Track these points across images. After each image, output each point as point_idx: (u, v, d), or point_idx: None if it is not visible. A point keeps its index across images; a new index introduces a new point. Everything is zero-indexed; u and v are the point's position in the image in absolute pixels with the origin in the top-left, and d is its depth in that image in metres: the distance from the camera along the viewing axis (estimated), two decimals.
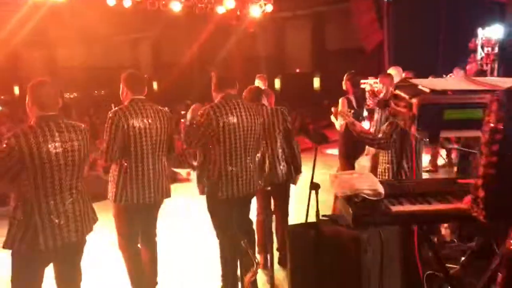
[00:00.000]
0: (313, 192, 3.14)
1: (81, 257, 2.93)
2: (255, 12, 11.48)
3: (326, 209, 4.99)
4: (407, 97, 1.77)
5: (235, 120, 3.33)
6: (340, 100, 4.93)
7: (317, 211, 2.94)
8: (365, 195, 1.91)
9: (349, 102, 4.85)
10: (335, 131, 5.06)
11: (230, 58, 17.81)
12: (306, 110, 12.93)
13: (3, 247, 2.62)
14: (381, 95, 4.60)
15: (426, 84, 1.83)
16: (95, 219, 2.96)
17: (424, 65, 9.76)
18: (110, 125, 3.19)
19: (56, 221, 2.65)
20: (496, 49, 8.98)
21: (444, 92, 1.72)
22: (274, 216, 4.26)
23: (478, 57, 9.06)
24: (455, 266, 3.40)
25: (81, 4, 9.92)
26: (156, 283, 3.58)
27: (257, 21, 12.18)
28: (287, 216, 4.19)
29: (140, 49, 24.01)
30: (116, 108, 3.26)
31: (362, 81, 5.51)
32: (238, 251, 3.27)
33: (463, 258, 3.40)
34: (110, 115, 3.22)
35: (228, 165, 3.35)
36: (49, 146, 2.57)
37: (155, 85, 22.77)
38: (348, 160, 4.95)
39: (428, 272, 3.32)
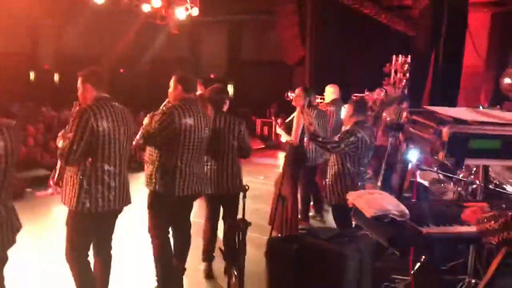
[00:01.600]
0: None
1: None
2: (181, 14, 11.28)
3: (260, 218, 5.11)
4: (433, 124, 1.88)
5: (192, 122, 3.49)
6: (295, 114, 5.06)
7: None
8: (393, 216, 1.98)
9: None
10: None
11: (148, 58, 17.24)
12: None
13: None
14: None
15: (445, 112, 1.96)
16: (18, 229, 2.64)
17: (342, 83, 10.45)
18: (78, 124, 2.94)
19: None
20: (407, 75, 9.91)
21: (467, 122, 1.86)
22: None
23: (392, 81, 9.91)
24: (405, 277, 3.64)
25: None
26: None
27: (180, 23, 11.97)
28: None
29: (41, 38, 22.10)
30: (85, 106, 3.02)
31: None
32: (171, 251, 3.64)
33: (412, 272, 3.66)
34: (79, 113, 2.98)
35: (183, 164, 3.48)
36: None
37: (56, 77, 21.14)
38: (293, 171, 5.04)
39: (385, 284, 3.55)
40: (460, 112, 2.00)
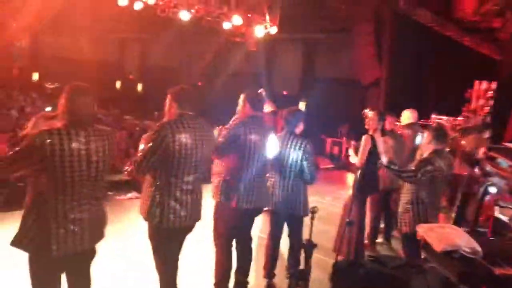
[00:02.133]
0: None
1: (90, 266, 2.89)
2: (259, 32, 11.62)
3: (326, 240, 5.07)
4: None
5: (256, 138, 3.64)
6: (364, 137, 5.02)
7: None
8: (464, 253, 1.97)
9: (372, 139, 4.93)
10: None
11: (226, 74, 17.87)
12: None
13: (11, 244, 2.58)
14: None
15: None
16: (106, 223, 2.91)
17: (418, 107, 10.13)
18: (155, 138, 3.01)
19: (72, 227, 2.59)
20: (491, 102, 9.41)
21: None
22: None
23: (472, 107, 9.47)
24: None
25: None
26: None
27: (257, 40, 12.32)
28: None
29: (128, 50, 23.66)
30: (166, 121, 3.13)
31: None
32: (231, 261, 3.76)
33: None
34: (159, 127, 3.08)
35: (248, 178, 3.62)
36: (73, 149, 2.51)
37: (139, 87, 22.45)
38: (361, 196, 5.01)
39: None
40: None
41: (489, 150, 1.97)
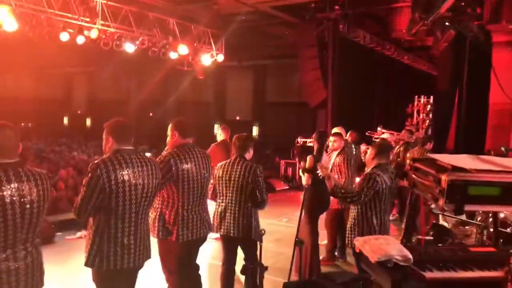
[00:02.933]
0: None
1: None
2: (206, 60, 11.77)
3: (283, 262, 5.08)
4: (433, 171, 1.95)
5: (190, 167, 3.55)
6: (308, 158, 5.15)
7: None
8: (396, 261, 2.03)
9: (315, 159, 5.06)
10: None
11: (174, 101, 17.82)
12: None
13: None
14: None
15: (445, 160, 2.04)
16: (43, 272, 2.70)
17: (363, 124, 10.53)
18: (90, 179, 2.83)
19: (6, 279, 2.41)
20: (431, 115, 9.89)
21: (465, 170, 1.93)
22: None
23: (414, 121, 9.91)
24: None
25: (20, 35, 9.44)
26: None
27: (205, 68, 12.46)
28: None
29: (75, 84, 23.23)
30: (98, 159, 2.94)
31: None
32: None
33: None
34: (91, 167, 2.87)
35: (185, 209, 3.53)
36: (5, 197, 2.34)
37: (88, 122, 22.00)
38: (312, 215, 5.09)
39: None
40: (460, 159, 2.06)
41: (414, 161, 2.09)
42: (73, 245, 6.29)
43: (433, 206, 4.17)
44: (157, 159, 3.49)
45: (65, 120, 22.89)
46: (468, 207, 1.88)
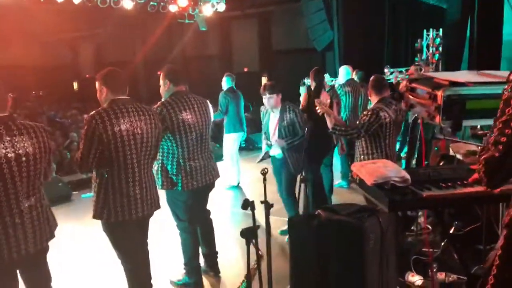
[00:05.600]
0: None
1: (46, 263, 2.76)
2: (207, 11, 11.47)
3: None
4: (429, 89, 1.89)
5: (188, 114, 3.46)
6: (303, 94, 5.12)
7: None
8: (394, 182, 2.01)
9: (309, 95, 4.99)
10: None
11: (180, 57, 17.62)
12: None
13: None
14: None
15: (442, 77, 1.96)
16: (55, 225, 2.76)
17: (371, 63, 10.28)
18: (86, 131, 2.79)
19: (12, 233, 2.44)
20: (440, 49, 9.58)
21: (463, 84, 1.86)
22: None
23: (424, 57, 9.63)
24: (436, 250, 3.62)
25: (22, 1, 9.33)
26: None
27: (207, 20, 12.17)
28: None
29: (80, 48, 23.08)
30: (93, 111, 2.85)
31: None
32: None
33: (442, 243, 3.64)
34: (86, 119, 2.83)
35: (186, 159, 3.49)
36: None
37: (97, 85, 22.00)
38: (313, 154, 5.03)
39: (414, 257, 3.54)
40: (459, 75, 1.99)
41: (410, 82, 2.01)
42: (89, 203, 6.43)
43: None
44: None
45: (75, 85, 22.93)
46: (466, 122, 1.83)
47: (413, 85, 2.04)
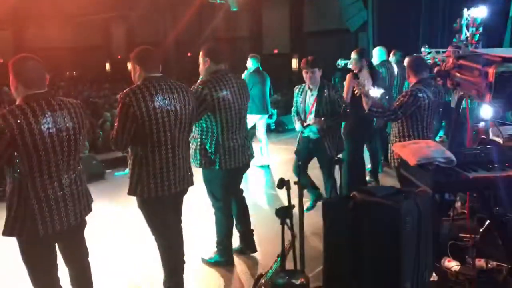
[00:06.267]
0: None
1: (83, 237, 2.83)
2: None
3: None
4: (479, 66, 1.79)
5: (228, 94, 3.45)
6: (347, 76, 4.99)
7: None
8: (438, 163, 1.94)
9: (355, 77, 4.87)
10: None
11: (210, 38, 17.58)
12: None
13: (3, 235, 2.48)
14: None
15: (493, 53, 1.85)
16: (91, 199, 2.84)
17: (407, 44, 9.95)
18: (121, 109, 2.81)
19: (55, 205, 2.50)
20: (481, 29, 9.15)
21: None
22: None
23: (463, 37, 9.23)
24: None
25: None
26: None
27: (239, 0, 12.08)
28: None
29: (113, 30, 23.34)
30: (127, 89, 2.83)
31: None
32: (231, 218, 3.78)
33: (481, 229, 3.52)
34: (120, 97, 2.83)
35: (225, 138, 3.49)
36: (42, 126, 2.37)
37: (129, 66, 22.29)
38: (351, 134, 4.95)
39: (451, 242, 3.45)
40: (511, 52, 1.88)
41: (457, 59, 1.91)
42: (121, 181, 6.56)
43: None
44: (191, 89, 3.34)
45: (107, 66, 23.27)
46: None
47: (461, 62, 1.94)
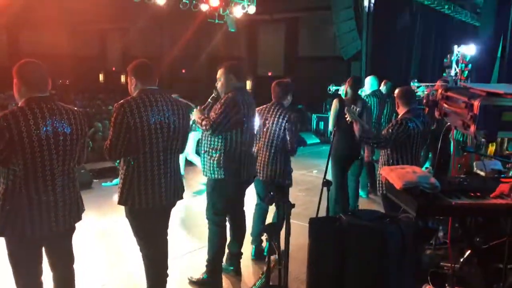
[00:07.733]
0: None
1: (71, 243, 2.84)
2: (237, 12, 11.55)
3: (312, 210, 5.12)
4: (465, 98, 1.89)
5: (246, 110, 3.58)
6: (334, 100, 5.10)
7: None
8: (424, 188, 2.02)
9: (340, 103, 4.97)
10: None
11: (206, 57, 17.75)
12: None
13: None
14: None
15: (479, 87, 1.96)
16: (83, 209, 2.85)
17: (398, 76, 10.22)
18: (115, 118, 2.84)
19: (45, 208, 2.53)
20: (470, 66, 9.46)
21: (500, 95, 1.85)
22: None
23: (452, 72, 9.53)
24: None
25: None
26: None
27: (237, 22, 12.26)
28: None
29: (109, 41, 23.46)
30: (123, 100, 2.86)
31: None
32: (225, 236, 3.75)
33: (461, 259, 3.59)
34: (115, 107, 2.87)
35: (239, 151, 3.58)
36: (40, 129, 2.42)
37: (122, 78, 22.31)
38: (338, 160, 5.04)
39: (432, 270, 3.51)
40: (497, 87, 1.98)
41: (446, 90, 2.01)
42: (108, 191, 6.56)
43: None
44: (221, 101, 3.48)
45: (101, 77, 23.30)
46: (501, 134, 1.82)
47: (449, 93, 2.04)
